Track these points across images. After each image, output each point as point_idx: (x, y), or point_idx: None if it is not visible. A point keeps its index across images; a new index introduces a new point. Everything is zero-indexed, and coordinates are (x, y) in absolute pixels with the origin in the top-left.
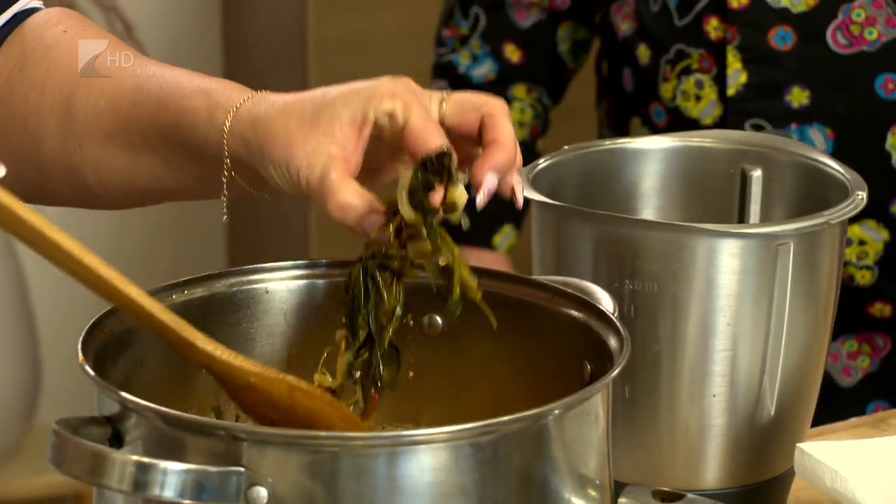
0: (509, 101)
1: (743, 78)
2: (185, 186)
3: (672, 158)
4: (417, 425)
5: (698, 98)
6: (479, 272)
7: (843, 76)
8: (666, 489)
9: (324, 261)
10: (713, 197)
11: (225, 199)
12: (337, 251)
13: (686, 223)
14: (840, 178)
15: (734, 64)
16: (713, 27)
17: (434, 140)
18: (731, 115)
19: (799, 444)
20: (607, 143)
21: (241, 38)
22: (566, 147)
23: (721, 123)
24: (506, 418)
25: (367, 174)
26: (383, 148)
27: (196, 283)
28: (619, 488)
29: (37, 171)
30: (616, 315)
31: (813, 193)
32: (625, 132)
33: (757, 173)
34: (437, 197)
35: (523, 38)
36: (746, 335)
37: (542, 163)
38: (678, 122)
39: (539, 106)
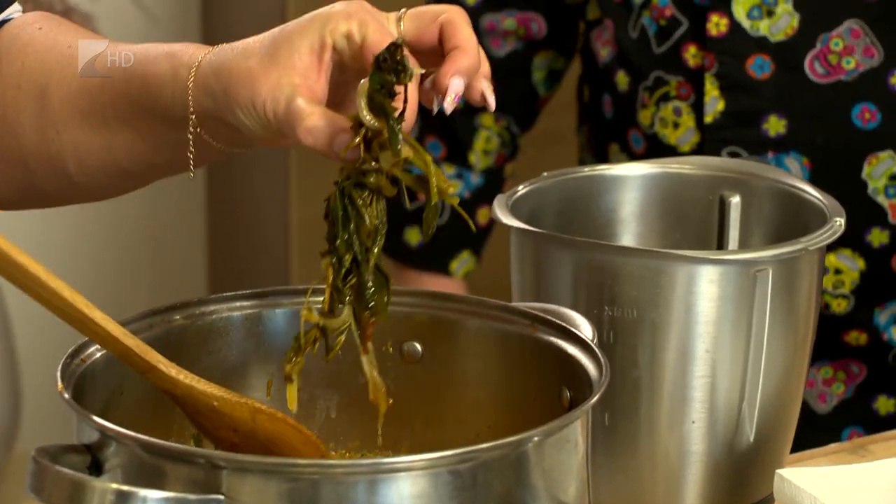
0: (476, 129)
1: (720, 106)
2: (163, 158)
3: (651, 185)
4: (397, 452)
5: (676, 125)
6: (458, 299)
7: (821, 105)
8: None
9: (303, 287)
10: (692, 223)
11: (191, 156)
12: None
13: (665, 250)
14: (818, 204)
15: (712, 91)
16: (691, 55)
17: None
18: (709, 142)
19: (778, 471)
20: (586, 169)
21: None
22: (545, 174)
23: (698, 151)
24: (485, 445)
25: (334, 108)
26: (347, 77)
27: (175, 311)
28: None
29: (23, 170)
30: (595, 341)
31: (791, 220)
32: (604, 158)
33: (735, 200)
34: (398, 100)
35: (496, 68)
36: (725, 361)
37: (521, 189)
38: (656, 148)
39: (506, 134)
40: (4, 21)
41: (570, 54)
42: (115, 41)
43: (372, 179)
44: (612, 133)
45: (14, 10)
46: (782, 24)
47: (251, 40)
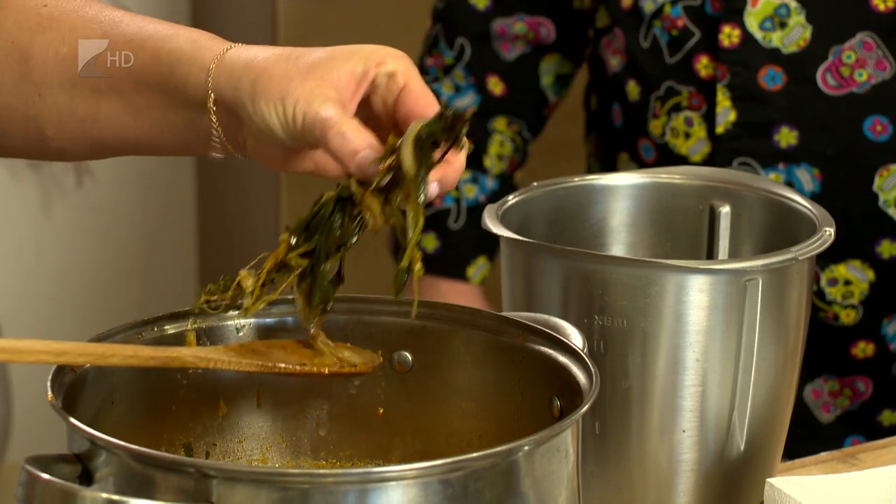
0: (489, 133)
1: (732, 117)
2: (145, 136)
3: (641, 195)
4: (387, 462)
5: (687, 136)
6: (448, 308)
7: (832, 117)
8: None
9: (292, 297)
10: (682, 233)
11: (217, 134)
12: None
13: (655, 259)
14: (808, 214)
15: (723, 102)
16: (703, 65)
17: (436, 106)
18: (719, 153)
19: (769, 479)
20: (576, 179)
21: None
22: (535, 184)
23: (709, 161)
24: (475, 454)
25: None
26: (364, 114)
27: (166, 321)
28: None
29: None
30: (585, 351)
31: (781, 229)
32: (613, 167)
33: (725, 209)
34: (438, 152)
35: (507, 71)
36: (716, 370)
37: (512, 199)
38: (667, 158)
39: (518, 139)
40: None
41: (578, 60)
42: (123, 17)
43: (368, 203)
44: (621, 142)
45: None
46: (795, 35)
47: (288, 49)
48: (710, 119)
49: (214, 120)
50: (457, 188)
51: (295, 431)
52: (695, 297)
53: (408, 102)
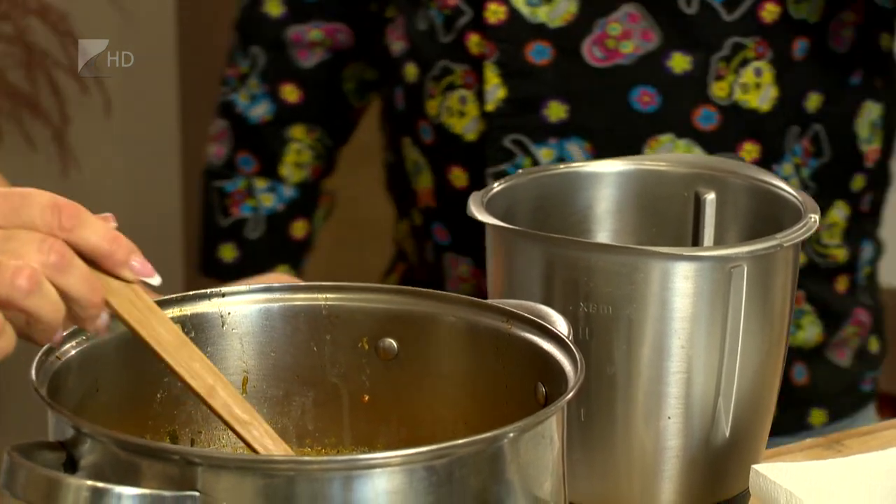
0: (286, 141)
1: (501, 93)
2: None
3: (626, 182)
4: (373, 449)
5: (462, 114)
6: (434, 296)
7: (600, 90)
8: None
9: (279, 284)
10: (667, 220)
11: None
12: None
13: (640, 246)
14: (793, 201)
15: (493, 79)
16: (474, 43)
17: None
18: (492, 130)
19: (754, 466)
20: (562, 166)
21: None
22: (520, 171)
23: (483, 139)
24: (460, 441)
25: None
26: None
27: (144, 293)
28: None
29: None
30: (570, 338)
31: (766, 216)
32: (399, 153)
33: (710, 196)
34: None
35: (304, 79)
36: (701, 357)
37: (497, 187)
38: (443, 139)
39: (319, 146)
40: None
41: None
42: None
43: None
44: (403, 126)
45: None
46: (560, 9)
47: None
48: (482, 97)
49: None
50: (254, 197)
51: (280, 419)
52: (680, 283)
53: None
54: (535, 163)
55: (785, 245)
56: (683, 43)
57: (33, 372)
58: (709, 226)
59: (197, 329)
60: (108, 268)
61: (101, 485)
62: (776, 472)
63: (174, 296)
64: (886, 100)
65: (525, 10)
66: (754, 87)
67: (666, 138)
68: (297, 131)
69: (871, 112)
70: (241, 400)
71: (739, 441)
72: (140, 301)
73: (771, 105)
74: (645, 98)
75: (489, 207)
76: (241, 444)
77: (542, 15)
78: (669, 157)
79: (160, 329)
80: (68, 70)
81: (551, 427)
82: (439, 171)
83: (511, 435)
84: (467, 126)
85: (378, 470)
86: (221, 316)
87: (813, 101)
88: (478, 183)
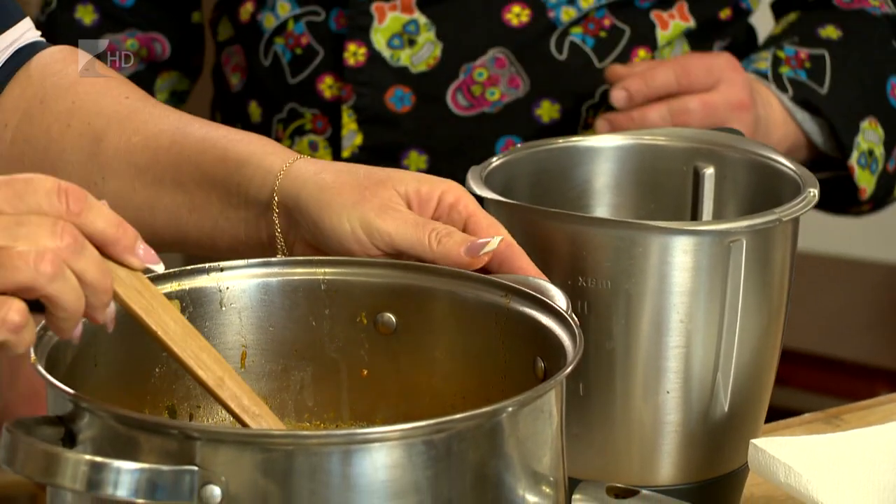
0: None
1: (358, 140)
2: (198, 231)
3: (625, 156)
4: (372, 423)
5: None
6: (432, 270)
7: (464, 139)
8: (620, 485)
9: (277, 259)
10: (666, 194)
11: (280, 238)
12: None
13: (639, 221)
14: (792, 175)
15: (349, 125)
16: (328, 86)
17: (503, 233)
18: None
19: (753, 440)
20: (560, 141)
21: None
22: (519, 145)
23: None
24: (459, 416)
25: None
26: None
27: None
28: (573, 485)
29: None
30: (569, 312)
31: (765, 190)
32: None
33: (709, 171)
34: None
35: None
36: (700, 332)
37: (495, 161)
38: None
39: None
40: (29, 46)
41: (194, 75)
42: (193, 118)
43: None
44: None
45: (32, 34)
46: (424, 53)
47: (349, 164)
48: (335, 143)
49: (276, 222)
50: None
51: (279, 394)
52: (679, 258)
53: (478, 233)
54: None
55: (784, 219)
56: (552, 90)
57: (32, 347)
58: (707, 200)
59: (195, 304)
60: (114, 254)
61: (99, 459)
62: (775, 447)
63: (172, 270)
64: None
65: (387, 52)
66: None
67: None
68: None
69: None
70: (250, 391)
71: (738, 415)
72: (146, 290)
73: None
74: (511, 148)
75: (488, 182)
76: None
77: (405, 59)
78: (668, 131)
79: (167, 318)
80: None
81: (550, 401)
82: None
83: (510, 409)
84: None
85: (377, 444)
86: (220, 291)
87: None
88: None
